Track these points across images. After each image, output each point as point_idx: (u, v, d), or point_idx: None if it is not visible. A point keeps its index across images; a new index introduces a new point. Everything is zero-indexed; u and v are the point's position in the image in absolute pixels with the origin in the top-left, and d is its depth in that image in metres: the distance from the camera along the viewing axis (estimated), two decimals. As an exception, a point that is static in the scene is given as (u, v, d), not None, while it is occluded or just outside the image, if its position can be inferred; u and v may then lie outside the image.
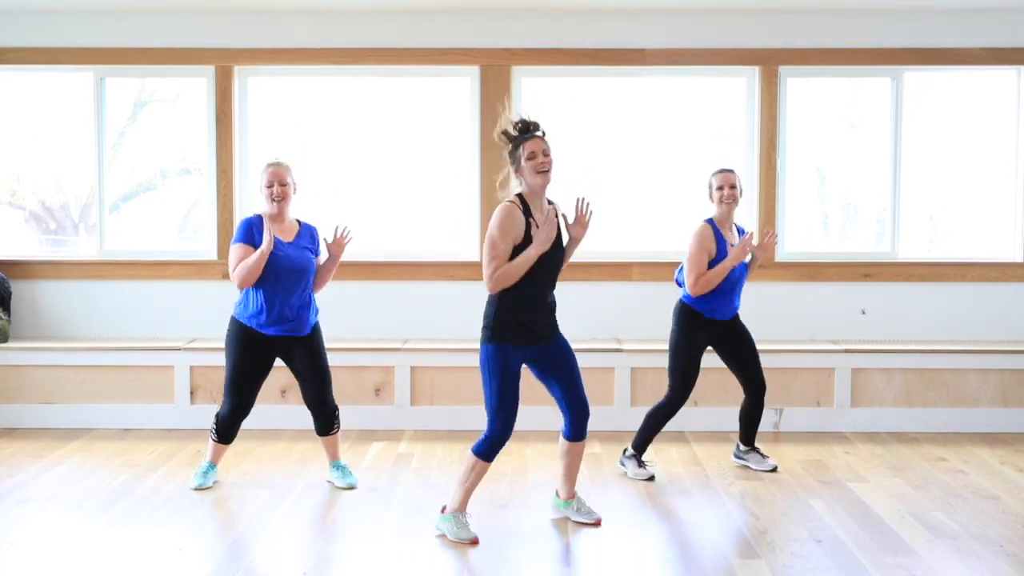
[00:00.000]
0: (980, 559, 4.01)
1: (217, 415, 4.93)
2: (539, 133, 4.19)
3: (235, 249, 4.76)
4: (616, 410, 6.25)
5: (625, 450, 5.34)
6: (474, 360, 6.25)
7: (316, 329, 4.94)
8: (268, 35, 6.56)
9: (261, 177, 4.83)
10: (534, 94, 6.72)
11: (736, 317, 5.23)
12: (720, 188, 5.10)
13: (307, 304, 4.87)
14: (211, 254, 6.67)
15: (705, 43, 6.55)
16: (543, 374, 4.33)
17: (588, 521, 4.44)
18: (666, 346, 5.95)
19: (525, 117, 4.21)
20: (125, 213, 6.90)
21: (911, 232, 6.82)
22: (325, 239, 4.95)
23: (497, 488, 4.99)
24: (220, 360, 6.19)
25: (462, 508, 4.29)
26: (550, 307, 4.28)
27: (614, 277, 6.61)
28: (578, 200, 4.28)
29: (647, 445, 5.28)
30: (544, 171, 4.13)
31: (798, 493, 4.93)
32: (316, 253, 4.94)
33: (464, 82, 6.67)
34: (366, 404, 6.29)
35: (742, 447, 5.43)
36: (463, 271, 6.61)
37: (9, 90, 6.82)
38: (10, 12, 6.52)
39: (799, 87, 6.68)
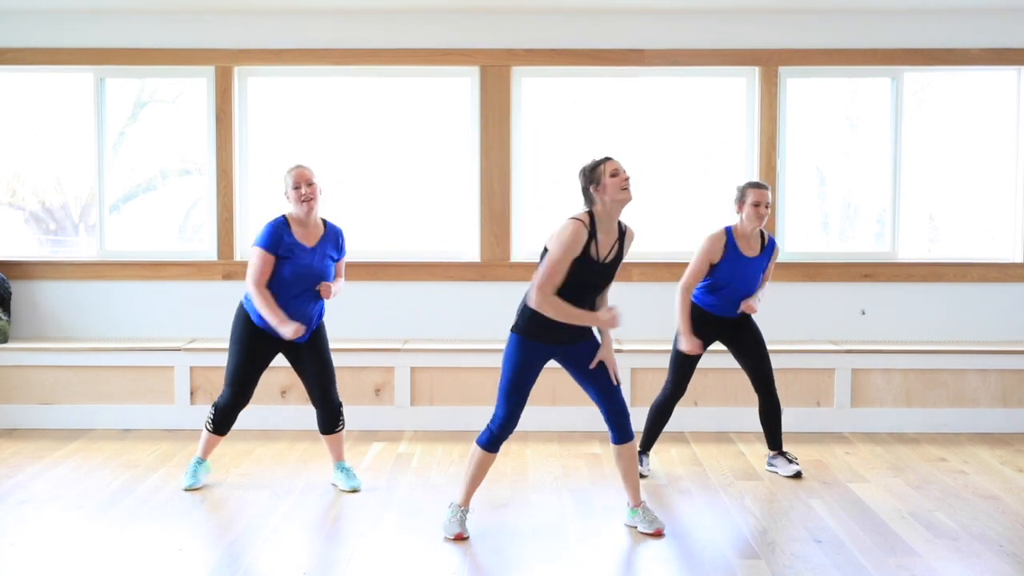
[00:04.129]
0: (980, 559, 4.01)
1: (215, 405, 4.88)
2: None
3: (257, 254, 4.65)
4: (616, 410, 6.24)
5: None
6: (474, 360, 6.29)
7: (321, 326, 4.92)
8: (268, 35, 6.56)
9: (286, 181, 4.73)
10: (534, 94, 6.72)
11: (745, 315, 5.23)
12: (756, 204, 5.04)
13: (319, 309, 4.85)
14: (211, 254, 6.67)
15: (705, 43, 6.55)
16: (576, 374, 4.33)
17: (648, 531, 4.32)
18: (666, 346, 5.99)
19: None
20: (125, 213, 6.90)
21: (911, 232, 6.82)
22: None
23: (497, 488, 4.99)
24: (220, 360, 6.17)
25: (464, 503, 4.33)
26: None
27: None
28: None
29: (653, 441, 5.30)
30: (627, 188, 4.17)
31: (798, 493, 4.93)
32: (338, 258, 4.91)
33: (464, 82, 6.67)
34: (366, 404, 6.28)
35: (770, 453, 5.37)
36: (463, 271, 6.61)
37: (9, 90, 6.82)
38: (10, 12, 6.52)
39: (799, 87, 6.68)
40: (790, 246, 6.73)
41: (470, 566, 3.97)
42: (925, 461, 5.57)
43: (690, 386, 6.16)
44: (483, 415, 6.17)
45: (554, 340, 4.20)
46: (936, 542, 4.21)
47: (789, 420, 6.20)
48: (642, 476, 5.16)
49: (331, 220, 4.94)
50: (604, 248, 4.17)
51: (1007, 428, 6.24)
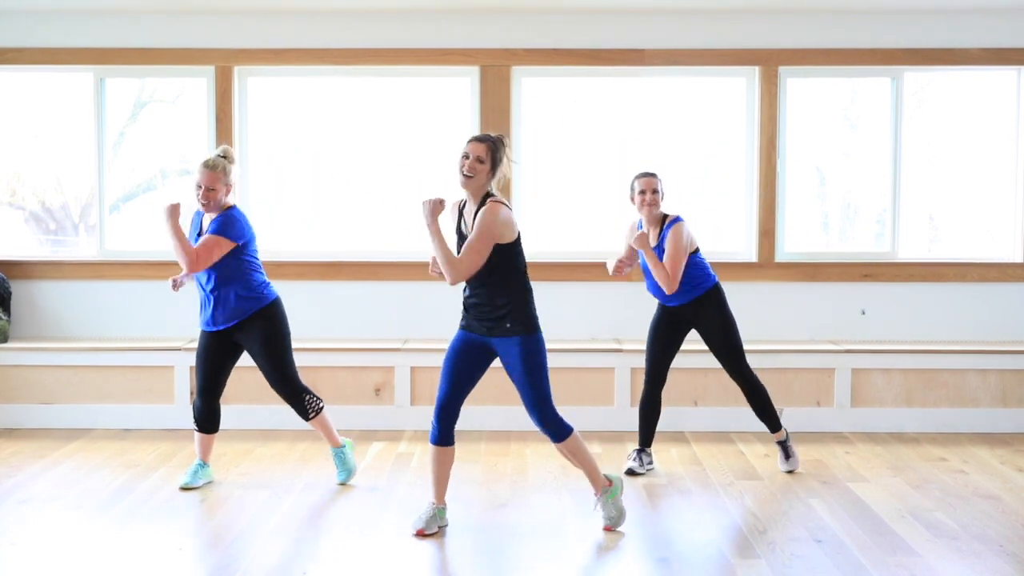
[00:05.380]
0: (980, 559, 4.01)
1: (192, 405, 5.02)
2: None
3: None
4: (616, 410, 6.25)
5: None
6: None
7: (255, 319, 4.78)
8: (268, 35, 6.56)
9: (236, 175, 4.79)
10: (534, 94, 6.72)
11: (692, 304, 5.18)
12: (643, 192, 5.09)
13: (212, 296, 4.74)
14: (211, 254, 6.66)
15: (705, 43, 6.55)
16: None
17: (603, 523, 4.39)
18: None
19: None
20: (125, 213, 6.90)
21: (911, 232, 6.82)
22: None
23: (497, 488, 5.00)
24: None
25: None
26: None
27: (614, 277, 6.58)
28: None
29: (650, 436, 5.34)
30: (465, 172, 4.18)
31: (798, 493, 4.93)
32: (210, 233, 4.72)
33: (464, 82, 6.67)
34: (366, 404, 6.28)
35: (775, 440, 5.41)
36: (463, 271, 6.60)
37: (9, 90, 6.82)
38: (10, 12, 6.52)
39: (799, 87, 6.68)
40: (790, 246, 6.73)
41: (470, 566, 3.97)
42: (925, 461, 5.57)
43: (690, 386, 6.20)
44: (483, 415, 6.20)
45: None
46: (936, 542, 4.21)
47: (789, 420, 6.20)
48: (636, 473, 5.21)
49: (237, 208, 4.82)
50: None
51: (1007, 428, 6.24)
